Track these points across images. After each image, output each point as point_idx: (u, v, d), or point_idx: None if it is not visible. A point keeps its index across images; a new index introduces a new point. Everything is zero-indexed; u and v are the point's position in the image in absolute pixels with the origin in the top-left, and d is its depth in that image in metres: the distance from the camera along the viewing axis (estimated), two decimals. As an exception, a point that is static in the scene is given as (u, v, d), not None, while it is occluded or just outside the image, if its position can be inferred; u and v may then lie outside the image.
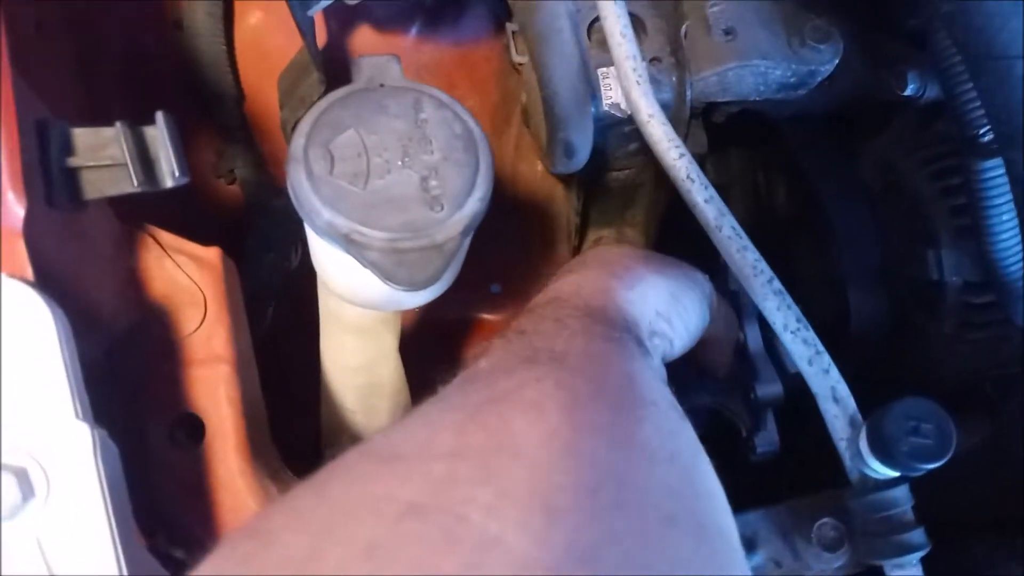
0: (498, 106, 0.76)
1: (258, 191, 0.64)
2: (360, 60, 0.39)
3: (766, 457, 0.51)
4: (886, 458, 0.36)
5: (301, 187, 0.35)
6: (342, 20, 0.65)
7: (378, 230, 0.34)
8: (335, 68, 0.66)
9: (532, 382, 0.30)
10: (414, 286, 0.34)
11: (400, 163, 0.36)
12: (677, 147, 0.45)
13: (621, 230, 0.76)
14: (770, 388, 0.50)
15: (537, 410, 0.28)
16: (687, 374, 0.54)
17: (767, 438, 0.51)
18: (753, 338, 0.54)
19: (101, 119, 0.36)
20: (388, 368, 0.48)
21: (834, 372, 0.41)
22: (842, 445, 0.40)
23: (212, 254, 0.40)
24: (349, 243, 0.34)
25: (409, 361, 0.71)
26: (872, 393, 0.67)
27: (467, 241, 0.40)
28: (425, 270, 0.34)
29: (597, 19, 0.64)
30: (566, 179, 0.75)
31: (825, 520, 0.41)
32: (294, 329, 0.57)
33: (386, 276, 0.34)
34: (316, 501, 0.26)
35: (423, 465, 0.26)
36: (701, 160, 0.80)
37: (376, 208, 0.35)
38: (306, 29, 0.53)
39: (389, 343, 0.46)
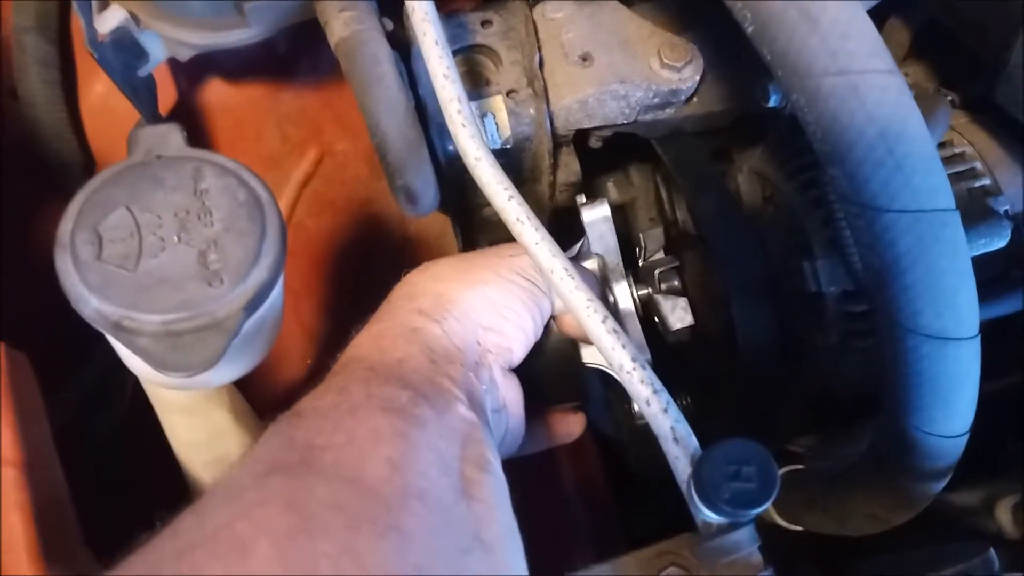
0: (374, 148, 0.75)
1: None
2: (137, 131, 0.37)
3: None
4: (709, 504, 0.34)
5: (67, 275, 0.33)
6: (191, 75, 0.63)
7: (149, 313, 0.32)
8: (191, 125, 0.64)
9: (254, 509, 0.27)
10: (189, 371, 0.32)
11: (176, 239, 0.34)
12: (506, 189, 0.44)
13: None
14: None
15: (241, 553, 0.25)
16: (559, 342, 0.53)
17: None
18: (623, 298, 0.52)
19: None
20: (232, 441, 0.46)
21: (673, 411, 0.40)
22: (684, 487, 0.38)
23: (-9, 349, 0.37)
24: (119, 330, 0.32)
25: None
26: (769, 408, 0.67)
27: (270, 313, 0.37)
28: (202, 352, 0.32)
29: (461, 49, 0.63)
30: (450, 214, 0.74)
31: (669, 570, 0.39)
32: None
33: (158, 363, 0.32)
34: None
35: None
36: (593, 183, 0.79)
37: (148, 290, 0.33)
38: (131, 93, 0.51)
39: (222, 418, 0.44)
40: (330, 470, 0.29)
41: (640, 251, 0.61)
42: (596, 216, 0.52)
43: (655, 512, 0.82)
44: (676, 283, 0.55)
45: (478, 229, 0.68)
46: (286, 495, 0.28)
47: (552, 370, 0.52)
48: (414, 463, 0.31)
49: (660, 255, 0.60)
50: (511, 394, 0.47)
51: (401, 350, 0.38)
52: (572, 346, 0.53)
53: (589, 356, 0.53)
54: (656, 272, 0.56)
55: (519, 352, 0.46)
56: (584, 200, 0.53)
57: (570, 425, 0.59)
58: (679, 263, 0.57)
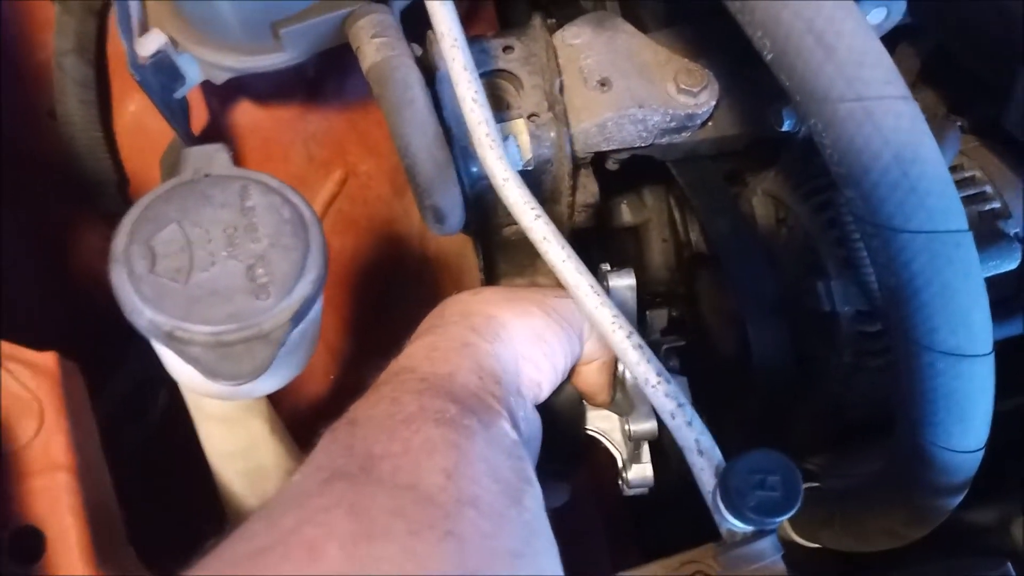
0: (397, 168, 0.77)
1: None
2: (186, 151, 0.39)
3: (639, 492, 0.51)
4: (735, 513, 0.36)
5: (122, 287, 0.35)
6: (222, 97, 0.65)
7: (201, 324, 0.34)
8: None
9: (320, 514, 0.29)
10: (238, 379, 0.33)
11: (225, 254, 0.36)
12: (533, 208, 0.46)
13: (534, 280, 0.76)
14: (643, 425, 0.49)
15: (311, 555, 0.27)
16: (570, 398, 0.54)
17: (640, 472, 0.50)
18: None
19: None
20: (267, 451, 0.47)
21: (697, 424, 0.41)
22: (708, 497, 0.39)
23: (48, 360, 0.39)
24: (172, 340, 0.34)
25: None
26: (783, 426, 0.68)
27: (311, 327, 0.39)
28: (251, 361, 0.34)
29: (483, 74, 0.65)
30: (471, 234, 0.75)
31: (694, 578, 0.40)
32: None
33: (208, 372, 0.33)
34: None
35: None
36: (609, 205, 0.81)
37: (199, 302, 0.35)
38: (169, 114, 0.53)
39: (259, 428, 0.45)
40: (389, 479, 0.31)
41: (644, 329, 0.63)
42: (621, 284, 0.53)
43: (668, 523, 0.82)
44: (676, 364, 0.57)
45: (499, 249, 0.70)
46: (350, 501, 0.29)
47: (555, 425, 0.53)
48: (467, 472, 0.32)
49: (658, 335, 0.61)
50: (534, 428, 0.48)
51: (452, 363, 0.39)
52: (580, 406, 0.54)
53: (593, 423, 0.55)
54: (662, 348, 0.58)
55: (547, 389, 0.47)
56: (610, 268, 0.54)
57: (551, 493, 0.60)
58: (683, 342, 0.59)
